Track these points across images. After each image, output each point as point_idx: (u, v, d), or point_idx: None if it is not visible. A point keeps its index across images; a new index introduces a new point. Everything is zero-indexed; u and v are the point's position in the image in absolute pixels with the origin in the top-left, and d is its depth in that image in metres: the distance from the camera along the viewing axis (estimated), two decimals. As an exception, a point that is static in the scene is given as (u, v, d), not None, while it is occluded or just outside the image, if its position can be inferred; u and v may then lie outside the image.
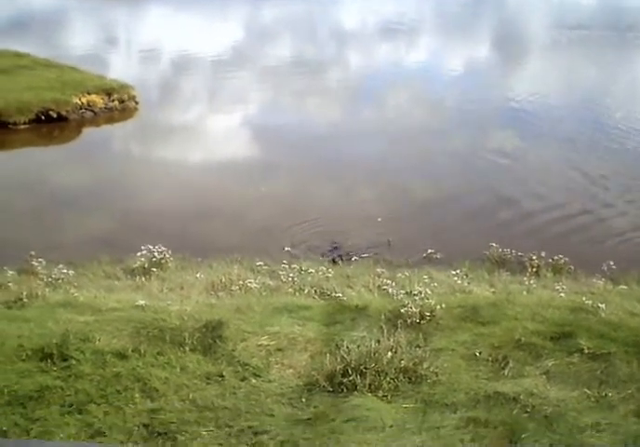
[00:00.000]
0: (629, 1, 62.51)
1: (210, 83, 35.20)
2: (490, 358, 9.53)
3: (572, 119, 28.12)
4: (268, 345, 9.81)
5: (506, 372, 9.19)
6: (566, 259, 15.02)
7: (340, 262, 15.08)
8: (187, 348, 9.49)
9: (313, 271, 14.08)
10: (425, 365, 9.07)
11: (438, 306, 10.83)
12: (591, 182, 20.99)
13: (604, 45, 45.15)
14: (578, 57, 41.58)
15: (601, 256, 15.21)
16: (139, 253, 14.48)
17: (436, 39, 50.08)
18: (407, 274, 14.08)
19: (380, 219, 18.12)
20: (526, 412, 8.24)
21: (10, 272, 13.27)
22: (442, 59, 43.05)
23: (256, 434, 7.83)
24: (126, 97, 28.41)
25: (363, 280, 14.02)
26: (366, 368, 8.78)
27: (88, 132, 26.43)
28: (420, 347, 9.56)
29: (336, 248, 15.99)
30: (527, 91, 32.38)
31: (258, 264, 14.53)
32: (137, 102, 28.75)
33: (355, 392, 8.55)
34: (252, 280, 12.99)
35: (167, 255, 14.58)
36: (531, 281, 13.60)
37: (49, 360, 9.04)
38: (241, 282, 12.98)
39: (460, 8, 62.59)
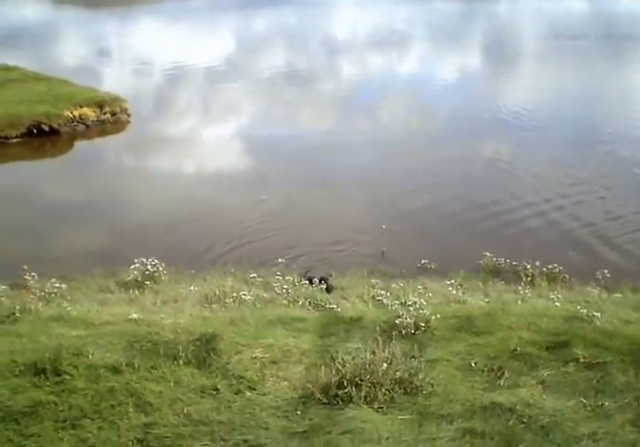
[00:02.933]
0: (622, 9, 62.82)
1: (203, 95, 35.21)
2: (486, 369, 9.50)
3: (564, 129, 28.18)
4: (262, 357, 9.77)
5: (502, 382, 9.16)
6: (561, 268, 15.04)
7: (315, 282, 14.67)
8: (181, 362, 9.44)
9: (307, 282, 14.07)
10: (421, 376, 9.03)
11: (433, 317, 10.80)
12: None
13: (596, 55, 45.28)
14: (569, 67, 41.59)
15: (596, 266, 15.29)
16: (132, 266, 14.47)
17: (428, 50, 50.08)
18: (402, 284, 14.06)
19: (384, 226, 18.18)
20: (523, 422, 8.20)
21: (2, 286, 13.22)
22: (434, 69, 42.99)
23: (251, 447, 7.80)
24: (118, 109, 28.41)
25: (357, 291, 14.00)
26: (361, 380, 8.74)
27: (80, 145, 26.40)
28: (415, 358, 9.53)
29: (308, 272, 15.48)
30: (518, 102, 32.44)
31: (252, 276, 14.49)
32: (129, 115, 28.76)
33: (351, 404, 8.51)
34: (246, 292, 12.96)
35: (161, 268, 14.55)
36: (526, 291, 13.60)
37: (42, 375, 8.97)
38: (235, 294, 12.95)
39: (452, 19, 62.71)
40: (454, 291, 13.58)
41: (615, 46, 46.77)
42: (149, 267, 14.42)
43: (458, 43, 50.89)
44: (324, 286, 14.08)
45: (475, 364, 9.62)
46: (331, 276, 14.83)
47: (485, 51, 48.95)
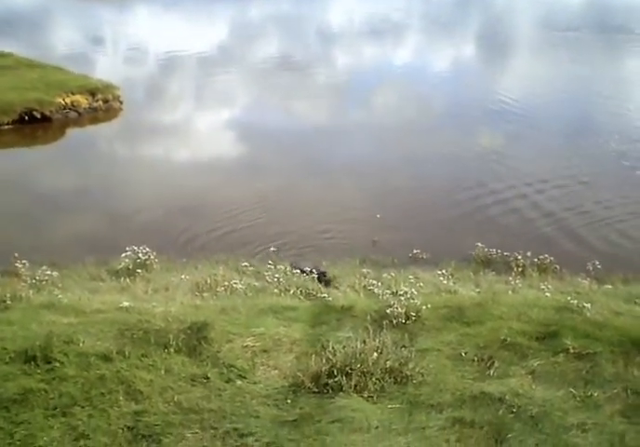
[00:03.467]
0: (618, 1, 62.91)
1: (196, 82, 35.13)
2: (476, 359, 9.51)
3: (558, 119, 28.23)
4: (253, 346, 9.77)
5: (492, 372, 9.18)
6: (552, 258, 15.08)
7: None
8: (172, 350, 9.42)
9: (298, 271, 14.07)
10: (411, 365, 9.04)
11: (424, 307, 10.81)
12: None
13: (592, 46, 45.31)
14: (563, 58, 41.62)
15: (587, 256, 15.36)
16: (123, 254, 14.45)
17: (424, 40, 50.13)
18: (393, 274, 14.09)
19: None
20: (512, 412, 8.23)
21: (-7, 274, 13.22)
22: (429, 59, 43.17)
23: (241, 436, 7.80)
24: (110, 97, 28.34)
25: (348, 281, 14.02)
26: (351, 369, 8.74)
27: (72, 133, 26.32)
28: (405, 348, 9.53)
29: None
30: (511, 92, 32.46)
31: (243, 264, 14.50)
32: (121, 102, 28.69)
33: (341, 393, 8.52)
34: (237, 281, 12.95)
35: (152, 256, 14.54)
36: (517, 281, 13.65)
37: (33, 363, 8.95)
38: (226, 283, 12.94)
39: (448, 9, 62.69)
40: (445, 281, 13.61)
41: (609, 38, 46.82)
42: (140, 255, 14.42)
43: (453, 33, 50.93)
44: (317, 276, 14.03)
45: (465, 354, 9.64)
46: (325, 274, 14.67)
47: (479, 41, 49.00)
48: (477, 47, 47.88)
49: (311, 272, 14.16)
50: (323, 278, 14.11)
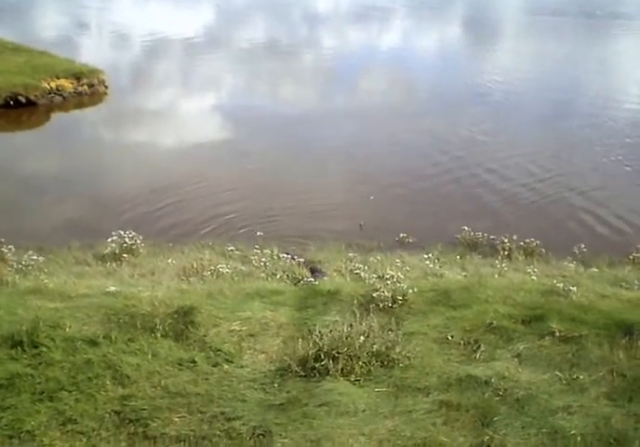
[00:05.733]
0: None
1: (182, 66, 34.99)
2: (462, 342, 9.56)
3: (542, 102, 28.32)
4: (240, 330, 9.79)
5: (478, 355, 9.23)
6: (538, 242, 15.12)
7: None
8: (158, 334, 9.44)
9: (285, 256, 14.07)
10: (397, 349, 9.09)
11: (410, 290, 10.85)
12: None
13: (577, 31, 45.45)
14: (550, 42, 41.72)
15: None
16: (109, 239, 14.41)
17: (409, 24, 50.12)
18: (380, 258, 14.11)
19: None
20: (498, 395, 8.29)
21: (-21, 259, 13.17)
22: (415, 43, 43.21)
23: (228, 420, 7.83)
24: (95, 81, 28.15)
25: (335, 265, 14.03)
26: (338, 352, 8.78)
27: (57, 117, 26.17)
28: (392, 331, 9.56)
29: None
30: (496, 76, 32.57)
31: (229, 249, 14.48)
32: (106, 87, 28.50)
33: (328, 377, 8.56)
34: (224, 265, 12.96)
35: (139, 241, 14.52)
36: (503, 264, 13.70)
37: (19, 348, 8.96)
38: (213, 267, 12.96)
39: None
40: (431, 265, 13.64)
41: (596, 23, 46.98)
42: (126, 240, 14.40)
43: (438, 17, 50.96)
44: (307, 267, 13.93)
45: (452, 337, 9.68)
46: (317, 267, 14.49)
47: (465, 25, 48.99)
48: (464, 30, 47.91)
49: (312, 273, 13.89)
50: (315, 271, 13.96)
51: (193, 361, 8.95)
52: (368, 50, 40.03)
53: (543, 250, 15.07)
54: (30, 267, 13.05)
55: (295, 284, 12.24)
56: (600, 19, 49.08)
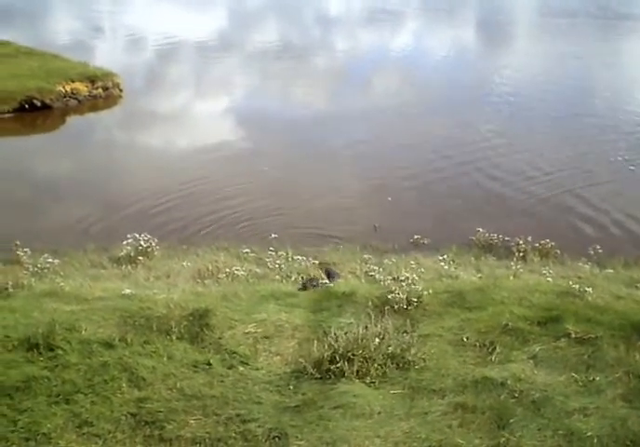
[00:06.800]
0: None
1: (195, 69, 35.04)
2: (477, 344, 9.54)
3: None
4: (255, 332, 9.80)
5: (493, 357, 9.20)
6: (553, 243, 15.07)
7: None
8: (174, 337, 9.46)
9: (300, 258, 14.07)
10: (413, 351, 9.07)
11: (425, 292, 10.83)
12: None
13: (588, 32, 45.35)
14: (560, 44, 41.62)
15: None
16: (125, 242, 14.45)
17: (421, 24, 50.11)
18: (394, 259, 14.11)
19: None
20: (514, 397, 8.25)
21: (-5, 262, 13.23)
22: (427, 44, 43.19)
23: (244, 422, 7.82)
24: (110, 84, 28.23)
25: (349, 267, 14.03)
26: (353, 354, 8.76)
27: (72, 120, 26.26)
28: (407, 333, 9.54)
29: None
30: (507, 77, 32.55)
31: (244, 251, 14.51)
32: (121, 90, 28.57)
33: (343, 379, 8.54)
34: (239, 268, 13.00)
35: (154, 243, 14.55)
36: (518, 266, 13.66)
37: (36, 351, 8.98)
38: (227, 270, 12.99)
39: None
40: (446, 267, 13.62)
41: (607, 24, 46.85)
42: (142, 243, 14.43)
43: (450, 19, 50.91)
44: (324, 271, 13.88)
45: (467, 339, 9.66)
46: (330, 271, 14.43)
47: (477, 27, 48.93)
48: (477, 32, 47.85)
49: (328, 276, 13.78)
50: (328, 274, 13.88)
51: (209, 364, 8.95)
52: (380, 52, 39.98)
53: (558, 252, 15.02)
54: (45, 270, 13.11)
55: (301, 290, 12.14)
56: (611, 20, 48.95)
